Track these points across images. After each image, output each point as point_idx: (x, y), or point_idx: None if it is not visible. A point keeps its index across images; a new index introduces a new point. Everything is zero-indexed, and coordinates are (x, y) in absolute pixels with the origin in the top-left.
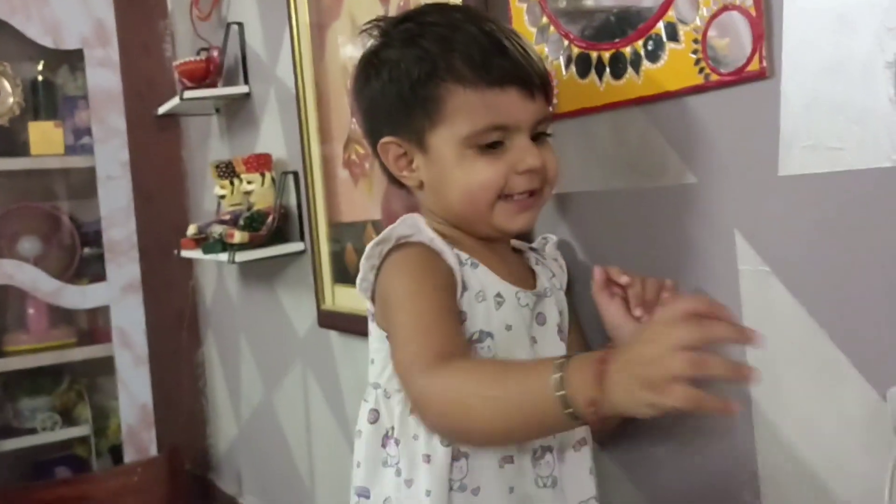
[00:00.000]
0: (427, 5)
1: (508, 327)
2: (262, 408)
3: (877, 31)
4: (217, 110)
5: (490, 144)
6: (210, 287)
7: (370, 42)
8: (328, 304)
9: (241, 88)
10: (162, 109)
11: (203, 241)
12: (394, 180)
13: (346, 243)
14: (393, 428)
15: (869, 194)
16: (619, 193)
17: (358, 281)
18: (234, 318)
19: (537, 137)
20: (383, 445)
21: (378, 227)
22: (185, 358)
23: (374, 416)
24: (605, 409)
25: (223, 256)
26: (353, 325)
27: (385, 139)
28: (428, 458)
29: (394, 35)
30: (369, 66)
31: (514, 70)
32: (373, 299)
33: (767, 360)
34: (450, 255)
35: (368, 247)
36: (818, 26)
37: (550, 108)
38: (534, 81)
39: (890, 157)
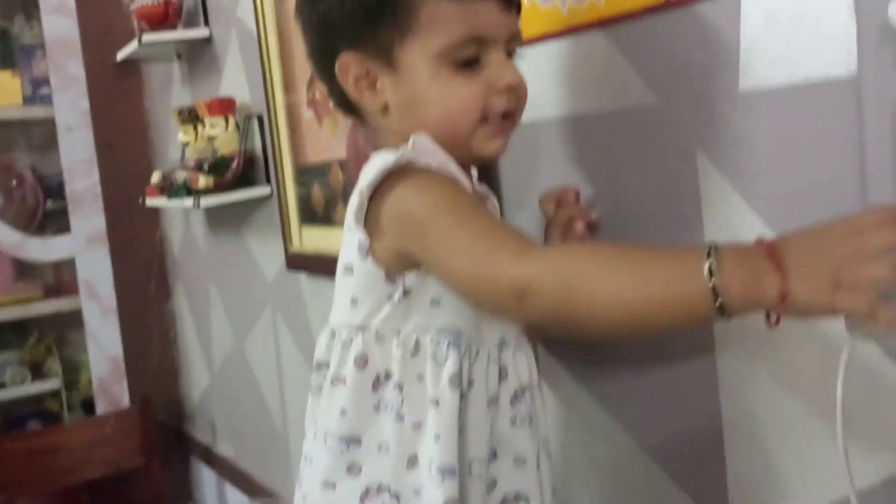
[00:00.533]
0: None
1: None
2: (234, 355)
3: None
4: (178, 56)
5: (467, 61)
6: (177, 237)
7: None
8: (296, 247)
9: (202, 31)
10: (121, 55)
11: (168, 189)
12: (345, 108)
13: (312, 185)
14: (387, 372)
15: (827, 105)
16: (583, 118)
17: (353, 209)
18: (202, 267)
19: (508, 56)
20: (374, 390)
21: (345, 166)
22: (154, 309)
23: (363, 362)
24: (793, 310)
25: (188, 202)
26: (322, 266)
27: (344, 56)
28: (437, 403)
29: None
30: None
31: None
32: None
33: None
34: (465, 181)
35: (371, 171)
36: None
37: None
38: None
39: (848, 67)
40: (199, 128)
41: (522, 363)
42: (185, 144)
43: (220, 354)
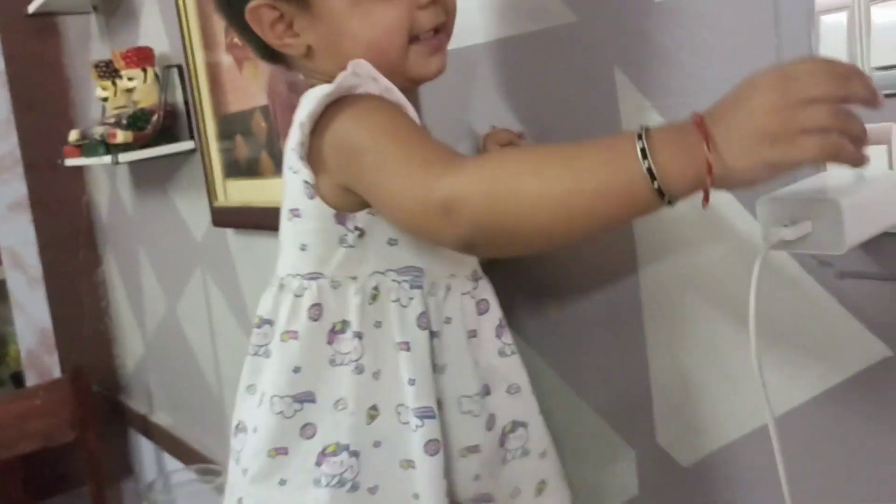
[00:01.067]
0: None
1: None
2: (167, 320)
3: None
4: (95, 7)
5: None
6: (104, 201)
7: None
8: (221, 201)
9: None
10: (32, 6)
11: (86, 147)
12: (267, 55)
13: (235, 134)
14: (345, 322)
15: (744, 10)
16: (503, 42)
17: (293, 145)
18: (131, 231)
19: None
20: (329, 342)
21: (266, 113)
22: (84, 277)
23: (317, 312)
24: (722, 179)
25: (106, 159)
26: (249, 220)
27: (254, 2)
28: (407, 346)
29: None
30: None
31: None
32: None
33: None
34: (409, 107)
35: (309, 101)
36: None
37: None
38: None
39: None
40: (118, 81)
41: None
42: (104, 100)
43: (154, 320)
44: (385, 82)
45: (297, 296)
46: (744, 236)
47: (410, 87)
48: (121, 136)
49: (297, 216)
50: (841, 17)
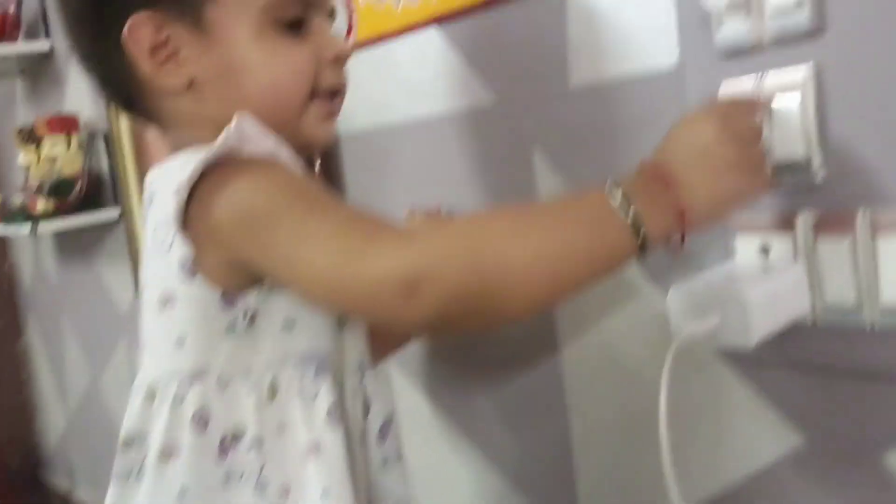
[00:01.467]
0: None
1: None
2: (90, 393)
3: None
4: (22, 72)
5: (293, 23)
6: (27, 268)
7: None
8: None
9: (43, 45)
10: None
11: (5, 215)
12: (120, 93)
13: None
14: (237, 429)
15: (653, 97)
16: (424, 120)
17: (165, 218)
18: (55, 300)
19: None
20: (221, 456)
21: None
22: (4, 347)
23: (203, 421)
24: (695, 219)
25: (26, 229)
26: None
27: (137, 19)
28: (317, 448)
29: None
30: None
31: None
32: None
33: None
34: (298, 168)
35: (190, 167)
36: None
37: None
38: None
39: (671, 55)
40: (41, 148)
41: (386, 389)
42: (27, 167)
43: (76, 393)
44: (271, 141)
45: (175, 403)
46: (660, 320)
47: (298, 150)
48: (41, 206)
49: (171, 304)
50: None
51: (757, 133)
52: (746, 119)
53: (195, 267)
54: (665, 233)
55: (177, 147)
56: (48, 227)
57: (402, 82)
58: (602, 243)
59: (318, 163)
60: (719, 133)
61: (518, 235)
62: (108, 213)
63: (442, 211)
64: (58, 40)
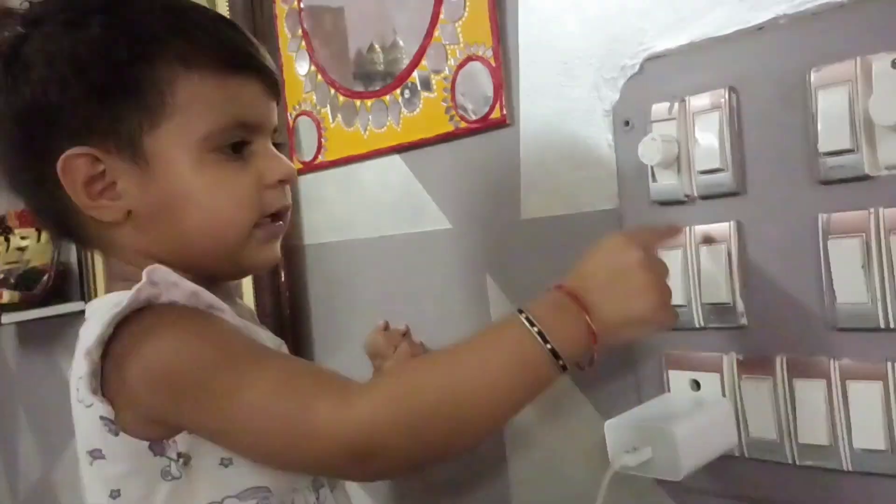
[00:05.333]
0: None
1: None
2: (41, 487)
3: (595, 82)
4: None
5: (235, 147)
6: None
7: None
8: None
9: None
10: None
11: None
12: (57, 224)
13: None
14: None
15: (597, 234)
16: (386, 240)
17: (84, 377)
18: (12, 389)
19: None
20: None
21: None
22: None
23: None
24: (605, 339)
25: None
26: None
27: (71, 153)
28: None
29: (56, 17)
30: (13, 62)
31: (257, 62)
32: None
33: None
34: (224, 308)
35: (99, 325)
36: (548, 76)
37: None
38: (273, 77)
39: (612, 199)
40: (10, 238)
41: (342, 498)
42: None
43: (27, 485)
44: (189, 286)
45: None
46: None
47: (234, 277)
48: (7, 297)
49: (101, 458)
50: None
51: (666, 265)
52: (652, 245)
53: (117, 426)
54: (580, 351)
55: (115, 275)
56: (11, 319)
57: (367, 202)
58: (526, 377)
59: (283, 273)
60: (636, 258)
61: (450, 389)
62: (74, 306)
63: (410, 332)
64: None
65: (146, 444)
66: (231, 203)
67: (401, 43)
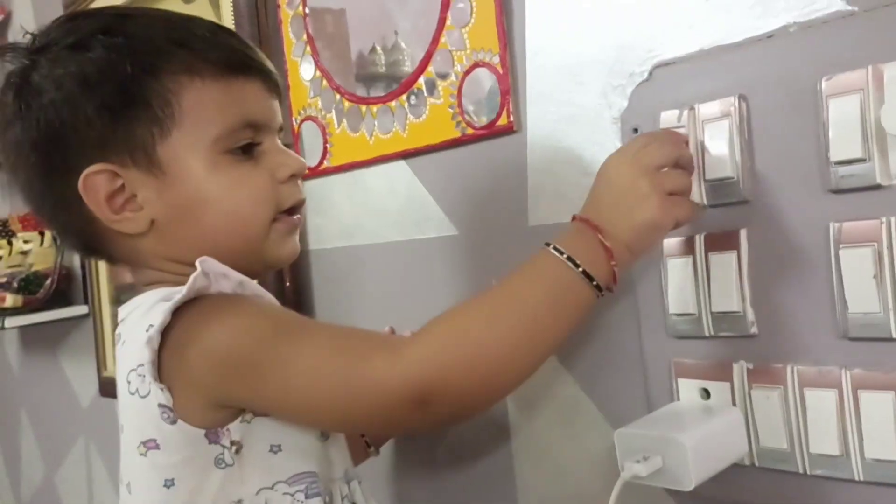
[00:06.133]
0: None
1: None
2: (44, 488)
3: (603, 89)
4: None
5: (245, 149)
6: None
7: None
8: (110, 371)
9: None
10: None
11: None
12: (87, 247)
13: None
14: None
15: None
16: (390, 246)
17: (137, 367)
18: (14, 392)
19: None
20: None
21: None
22: None
23: None
24: (623, 254)
25: None
26: None
27: (92, 168)
28: None
29: (60, 43)
30: (24, 90)
31: (257, 62)
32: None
33: (528, 404)
34: (268, 296)
35: (151, 319)
36: (555, 82)
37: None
38: (273, 76)
39: None
40: (13, 241)
41: (368, 494)
42: None
43: (29, 487)
44: (236, 276)
45: None
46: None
47: (260, 273)
48: (10, 301)
49: (155, 448)
50: (686, 262)
51: (668, 159)
52: (657, 151)
53: (175, 413)
54: (605, 272)
55: (143, 282)
56: (14, 323)
57: (373, 207)
58: (567, 303)
59: (287, 278)
60: (629, 172)
61: (495, 323)
62: (77, 310)
63: None
64: None
65: (202, 432)
66: (248, 201)
67: (402, 45)
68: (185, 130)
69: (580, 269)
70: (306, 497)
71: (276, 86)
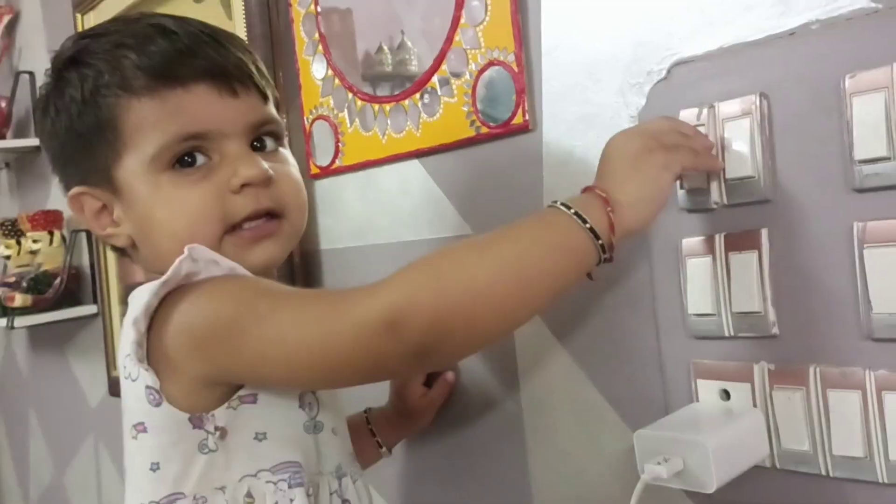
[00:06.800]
0: (111, 19)
1: None
2: (53, 488)
3: (620, 87)
4: (7, 165)
5: (187, 163)
6: None
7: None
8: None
9: (31, 141)
10: None
11: None
12: (118, 247)
13: None
14: None
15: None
16: (403, 245)
17: (131, 346)
18: (23, 391)
19: (262, 147)
20: None
21: None
22: None
23: None
24: (628, 214)
25: (1, 322)
26: None
27: (74, 191)
28: None
29: (60, 60)
30: (40, 106)
31: (200, 64)
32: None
33: (543, 405)
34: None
35: (145, 295)
36: (571, 81)
37: (274, 109)
38: (233, 73)
39: None
40: (22, 241)
41: (363, 492)
42: (7, 258)
43: (38, 487)
44: (228, 262)
45: None
46: (625, 455)
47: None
48: (19, 300)
49: (143, 431)
50: (706, 261)
51: (670, 126)
52: (659, 121)
53: (160, 395)
54: (609, 238)
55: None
56: (24, 321)
57: (386, 207)
58: (566, 248)
59: (298, 278)
60: (623, 138)
61: (477, 253)
62: (86, 309)
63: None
64: None
65: (186, 416)
66: (186, 219)
67: (409, 44)
68: (130, 152)
69: (587, 226)
70: (289, 487)
71: (236, 81)
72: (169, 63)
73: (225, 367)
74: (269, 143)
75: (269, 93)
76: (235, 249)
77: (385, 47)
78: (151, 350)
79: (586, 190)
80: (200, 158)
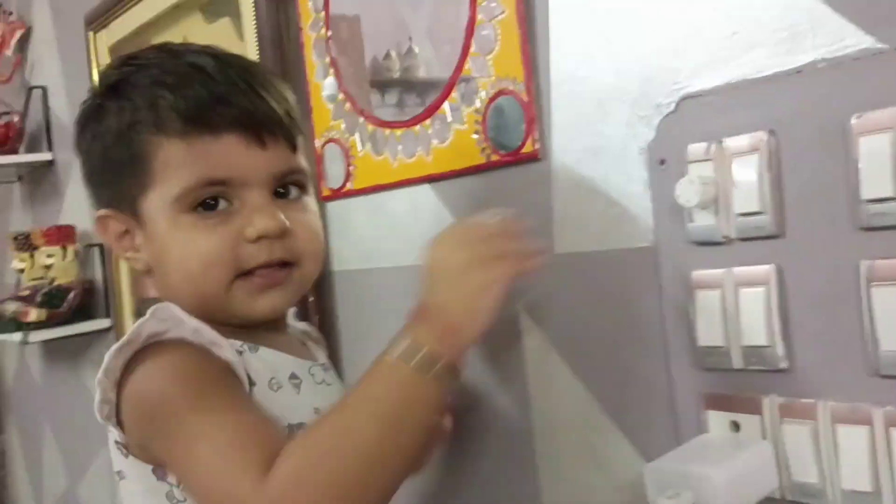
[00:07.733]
0: (154, 45)
1: (317, 411)
2: (67, 500)
3: (629, 119)
4: (19, 178)
5: (209, 206)
6: (11, 368)
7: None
8: None
9: (44, 156)
10: None
11: None
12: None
13: None
14: None
15: (631, 271)
16: (414, 269)
17: (97, 404)
18: (37, 403)
19: (286, 194)
20: None
21: None
22: None
23: None
24: (461, 340)
25: (16, 337)
26: None
27: (101, 213)
28: None
29: (104, 84)
30: (79, 124)
31: (232, 113)
32: (121, 425)
33: (549, 427)
34: (224, 344)
35: (108, 356)
36: (581, 112)
37: (302, 159)
38: (263, 124)
39: (646, 237)
40: (35, 255)
41: None
42: (20, 271)
43: (52, 498)
44: (193, 323)
45: None
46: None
47: (242, 325)
48: (34, 315)
49: (123, 477)
50: (715, 294)
51: (489, 232)
52: (474, 231)
53: (126, 448)
54: (455, 354)
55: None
56: (38, 336)
57: (396, 230)
58: (412, 410)
59: (312, 298)
60: (445, 250)
61: (344, 442)
62: (99, 323)
63: None
64: (59, 153)
65: (150, 468)
66: (198, 262)
67: (416, 50)
68: (156, 187)
69: (432, 373)
70: None
71: (266, 132)
72: (202, 109)
73: (158, 452)
74: (294, 191)
75: (298, 142)
76: (244, 295)
77: (393, 54)
78: (119, 406)
79: (417, 317)
80: (222, 203)
